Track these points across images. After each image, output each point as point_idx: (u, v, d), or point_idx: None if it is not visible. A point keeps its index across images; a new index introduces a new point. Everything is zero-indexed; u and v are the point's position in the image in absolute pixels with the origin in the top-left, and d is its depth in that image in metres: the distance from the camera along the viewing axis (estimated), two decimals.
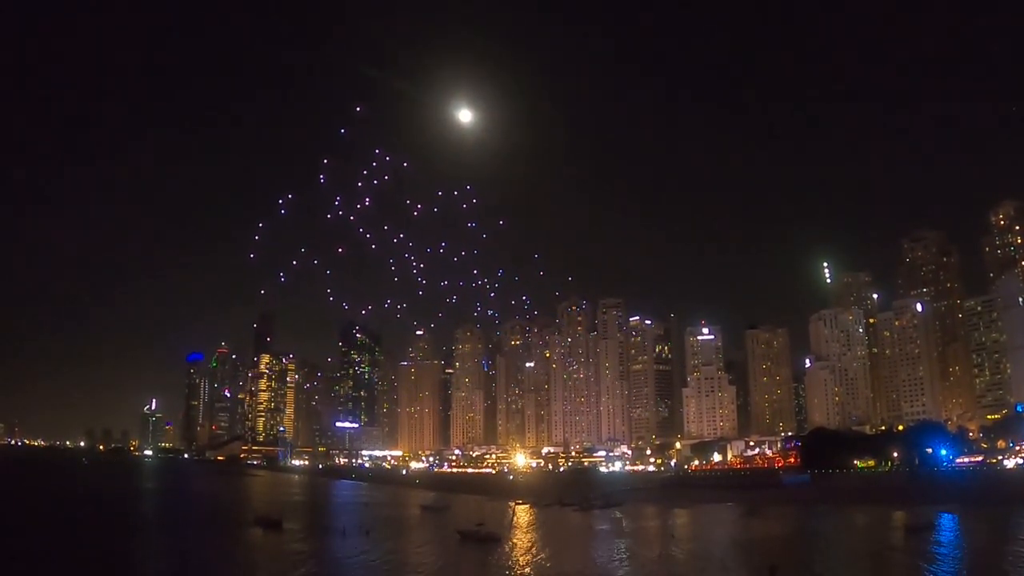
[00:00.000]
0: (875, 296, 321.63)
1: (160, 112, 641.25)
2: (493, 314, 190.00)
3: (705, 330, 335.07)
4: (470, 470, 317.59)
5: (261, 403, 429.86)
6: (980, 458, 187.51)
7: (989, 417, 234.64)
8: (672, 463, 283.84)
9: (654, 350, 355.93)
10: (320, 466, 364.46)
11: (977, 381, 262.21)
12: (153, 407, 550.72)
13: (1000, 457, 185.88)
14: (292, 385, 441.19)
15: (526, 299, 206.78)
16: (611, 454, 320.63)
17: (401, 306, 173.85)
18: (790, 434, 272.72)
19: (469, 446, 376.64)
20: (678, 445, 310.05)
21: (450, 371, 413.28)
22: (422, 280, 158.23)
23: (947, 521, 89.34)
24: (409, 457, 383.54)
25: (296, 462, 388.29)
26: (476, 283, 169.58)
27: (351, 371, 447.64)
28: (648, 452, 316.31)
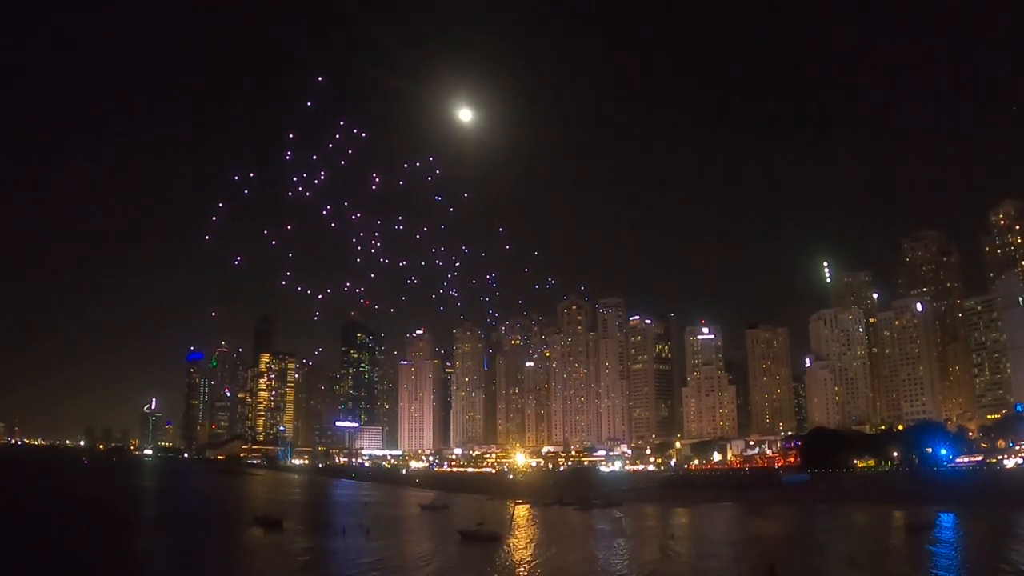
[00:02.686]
0: (875, 296, 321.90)
1: (156, 107, 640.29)
2: (456, 295, 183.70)
3: (705, 330, 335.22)
4: (470, 469, 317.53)
5: (261, 402, 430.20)
6: (980, 458, 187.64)
7: (989, 417, 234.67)
8: (672, 462, 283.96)
9: (654, 350, 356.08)
10: (320, 465, 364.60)
11: (977, 381, 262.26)
12: (153, 406, 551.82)
13: (1000, 457, 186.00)
14: (292, 385, 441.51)
15: (491, 278, 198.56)
16: (611, 453, 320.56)
17: (360, 290, 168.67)
18: (790, 434, 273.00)
19: (469, 445, 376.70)
20: (678, 444, 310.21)
21: (450, 371, 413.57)
22: (384, 261, 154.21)
23: (947, 521, 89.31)
24: (409, 456, 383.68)
25: (296, 461, 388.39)
26: (438, 262, 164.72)
27: (351, 371, 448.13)
28: (648, 451, 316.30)
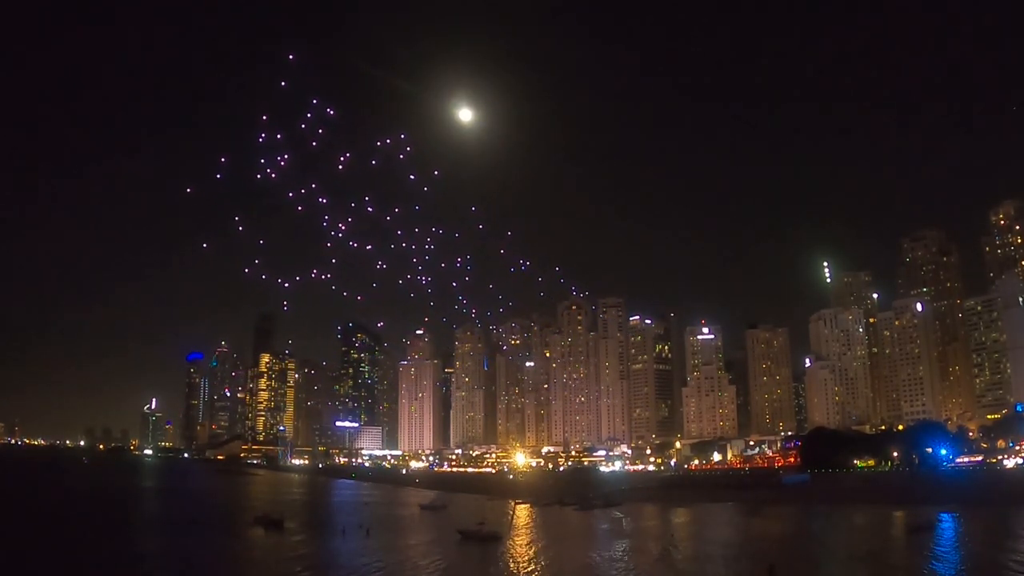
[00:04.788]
0: (875, 296, 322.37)
1: (152, 106, 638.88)
2: (426, 282, 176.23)
3: (705, 330, 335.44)
4: (470, 469, 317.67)
5: (261, 402, 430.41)
6: (980, 458, 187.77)
7: (989, 417, 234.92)
8: (672, 462, 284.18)
9: (654, 350, 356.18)
10: (320, 465, 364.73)
11: (977, 381, 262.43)
12: (153, 406, 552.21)
13: (1000, 457, 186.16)
14: (292, 385, 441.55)
15: (461, 260, 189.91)
16: (611, 453, 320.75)
17: (325, 276, 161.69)
18: (790, 434, 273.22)
19: (469, 446, 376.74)
20: (678, 444, 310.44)
21: (450, 371, 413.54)
22: (353, 245, 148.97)
23: (947, 521, 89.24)
24: (409, 456, 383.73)
25: (296, 461, 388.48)
26: (405, 244, 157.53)
27: (351, 371, 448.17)
28: (648, 451, 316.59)
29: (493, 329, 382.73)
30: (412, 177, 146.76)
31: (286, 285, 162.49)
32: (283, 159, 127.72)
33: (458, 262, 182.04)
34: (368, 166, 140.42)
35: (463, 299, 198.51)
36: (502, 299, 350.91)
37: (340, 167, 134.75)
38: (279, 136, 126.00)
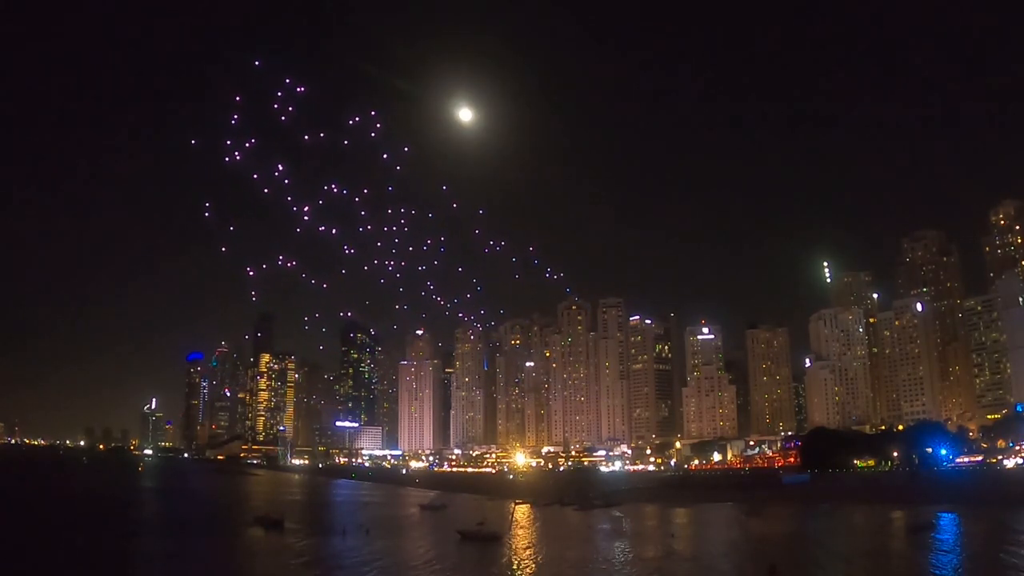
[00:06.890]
0: (875, 296, 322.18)
1: (150, 101, 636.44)
2: (393, 269, 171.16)
3: (705, 330, 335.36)
4: (470, 469, 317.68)
5: (261, 402, 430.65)
6: (980, 458, 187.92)
7: (989, 417, 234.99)
8: (672, 462, 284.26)
9: (654, 350, 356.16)
10: (320, 465, 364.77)
11: (977, 381, 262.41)
12: (153, 406, 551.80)
13: (1000, 457, 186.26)
14: (292, 385, 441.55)
15: (432, 241, 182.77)
16: (611, 453, 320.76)
17: (292, 264, 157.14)
18: (790, 434, 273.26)
19: (469, 445, 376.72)
20: (678, 444, 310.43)
21: (450, 371, 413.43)
22: (321, 229, 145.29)
23: (947, 521, 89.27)
24: (409, 456, 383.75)
25: (296, 461, 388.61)
26: (370, 227, 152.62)
27: (351, 371, 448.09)
28: (648, 451, 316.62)
29: (479, 326, 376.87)
30: (385, 156, 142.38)
31: (251, 273, 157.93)
32: (251, 142, 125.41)
33: (427, 243, 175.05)
34: (339, 144, 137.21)
35: (431, 284, 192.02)
36: (475, 283, 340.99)
37: (307, 140, 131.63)
38: (250, 117, 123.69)
